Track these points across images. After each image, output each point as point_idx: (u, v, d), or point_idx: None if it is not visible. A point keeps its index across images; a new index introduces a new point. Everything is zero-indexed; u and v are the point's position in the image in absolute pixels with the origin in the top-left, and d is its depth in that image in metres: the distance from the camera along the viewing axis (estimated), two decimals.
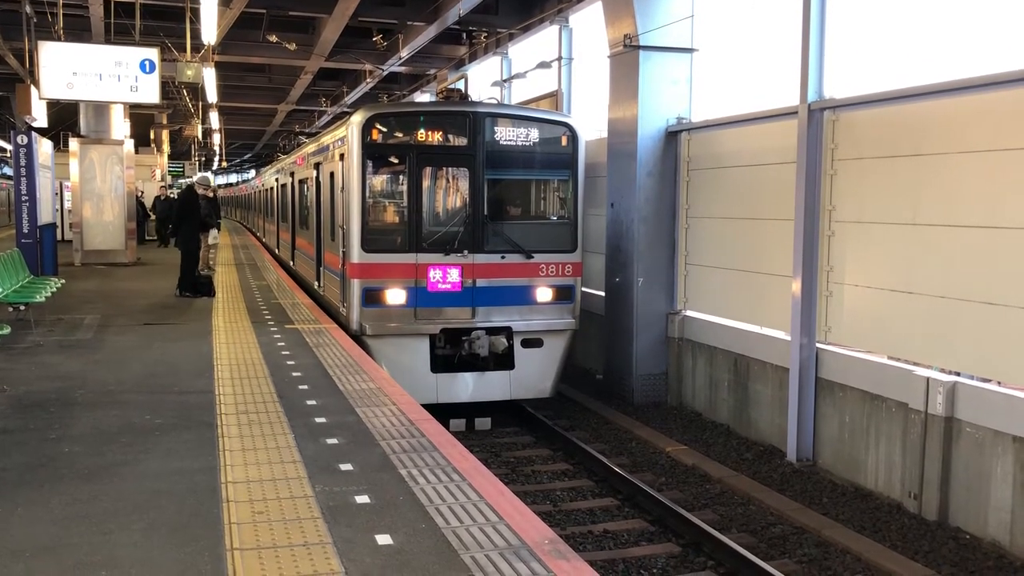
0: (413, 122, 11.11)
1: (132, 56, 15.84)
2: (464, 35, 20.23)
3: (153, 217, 26.36)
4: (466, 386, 11.17)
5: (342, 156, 11.68)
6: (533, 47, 19.08)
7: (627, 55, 12.42)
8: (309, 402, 6.90)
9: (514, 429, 11.40)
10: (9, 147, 19.78)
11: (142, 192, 25.64)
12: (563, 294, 11.44)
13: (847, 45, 9.65)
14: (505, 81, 19.87)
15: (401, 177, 11.20)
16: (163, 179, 31.57)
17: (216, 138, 38.64)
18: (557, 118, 11.94)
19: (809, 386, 9.57)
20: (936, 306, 8.05)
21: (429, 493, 4.83)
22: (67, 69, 15.58)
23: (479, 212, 11.08)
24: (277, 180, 23.38)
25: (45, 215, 16.40)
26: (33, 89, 16.28)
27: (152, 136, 32.35)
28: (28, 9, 16.17)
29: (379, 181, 11.53)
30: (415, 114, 11.43)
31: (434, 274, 10.91)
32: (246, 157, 70.07)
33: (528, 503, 7.63)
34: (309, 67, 22.98)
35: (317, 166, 14.54)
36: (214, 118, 29.50)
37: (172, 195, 25.54)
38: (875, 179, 8.79)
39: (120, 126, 19.74)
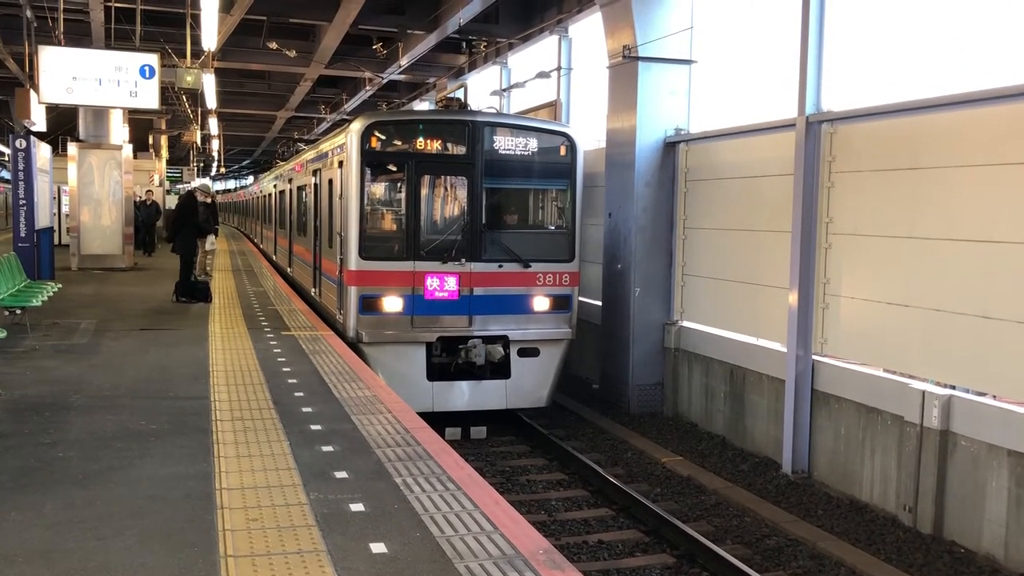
0: (412, 130, 11.13)
1: (132, 61, 15.85)
2: (464, 44, 20.26)
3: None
4: (462, 395, 11.16)
5: (341, 163, 11.69)
6: (533, 57, 19.13)
7: (626, 66, 12.46)
8: (305, 409, 6.89)
9: (510, 438, 11.39)
10: (8, 151, 19.76)
11: (139, 197, 25.57)
12: (560, 303, 11.44)
13: (845, 58, 9.69)
14: (504, 90, 19.92)
15: (400, 185, 11.21)
16: (161, 183, 31.51)
17: (215, 144, 38.68)
18: (556, 128, 11.97)
19: (805, 398, 9.57)
20: (932, 319, 8.06)
21: (424, 502, 4.83)
22: (67, 74, 15.58)
23: (477, 221, 11.10)
24: (275, 186, 23.39)
25: (43, 219, 16.38)
26: (32, 93, 16.31)
27: (151, 141, 32.38)
28: (29, 13, 16.19)
29: (378, 189, 11.54)
30: (414, 122, 11.45)
31: (431, 282, 10.91)
32: (245, 163, 70.15)
33: (523, 513, 7.61)
34: (309, 74, 23.02)
35: (316, 173, 14.55)
36: (213, 124, 29.53)
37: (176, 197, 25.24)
38: (872, 192, 8.82)
39: (119, 131, 19.76)
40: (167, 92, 20.97)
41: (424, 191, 11.28)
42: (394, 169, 11.31)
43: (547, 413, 12.01)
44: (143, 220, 24.43)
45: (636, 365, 12.53)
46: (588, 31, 16.09)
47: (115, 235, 19.21)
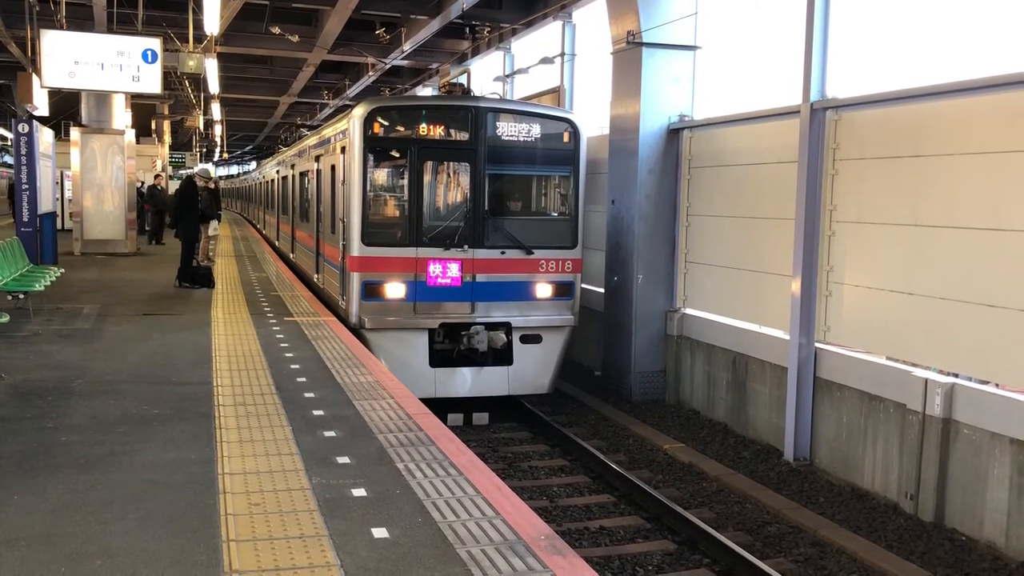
0: (415, 116, 11.09)
1: (134, 46, 15.81)
2: (467, 29, 20.18)
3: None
4: (464, 381, 11.17)
5: (343, 149, 11.66)
6: (536, 42, 19.06)
7: (630, 52, 12.40)
8: (307, 395, 6.90)
9: (512, 424, 11.40)
10: (10, 135, 19.74)
11: (142, 183, 25.53)
12: (563, 290, 11.43)
13: (850, 45, 9.64)
14: (507, 76, 19.84)
15: (402, 171, 11.18)
16: (164, 168, 31.42)
17: (217, 129, 38.61)
18: (559, 114, 11.92)
19: (807, 386, 9.57)
20: (935, 307, 8.04)
21: (426, 487, 4.83)
22: (69, 58, 15.55)
23: (480, 207, 11.07)
24: (278, 172, 23.36)
25: (45, 204, 16.38)
26: (35, 77, 16.27)
27: (153, 126, 32.33)
28: None
29: (380, 175, 11.52)
30: (417, 108, 11.41)
31: (434, 268, 10.90)
32: (247, 149, 70.05)
33: (525, 499, 7.62)
34: (311, 59, 22.95)
35: (318, 159, 14.53)
36: (216, 109, 29.47)
37: (164, 182, 24.70)
38: (876, 179, 8.78)
39: (121, 116, 19.72)
40: (169, 77, 20.95)
41: (427, 177, 11.25)
42: (396, 155, 11.28)
43: (549, 400, 12.02)
44: (158, 206, 23.40)
45: (638, 352, 12.52)
46: (592, 17, 16.01)
47: (118, 220, 19.21)
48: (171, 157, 41.02)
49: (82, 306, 11.37)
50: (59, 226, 19.90)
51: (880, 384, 8.67)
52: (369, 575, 3.75)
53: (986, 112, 7.61)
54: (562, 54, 16.92)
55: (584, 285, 12.43)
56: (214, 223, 16.83)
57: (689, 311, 12.29)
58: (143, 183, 25.42)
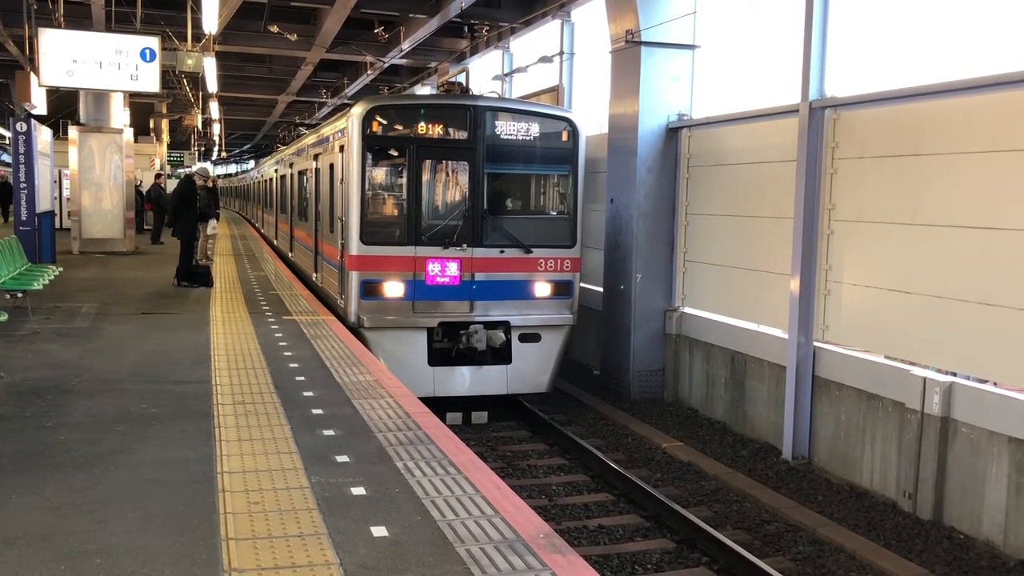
0: (414, 115, 11.09)
1: (132, 44, 15.80)
2: (466, 28, 20.18)
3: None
4: (463, 380, 11.17)
5: (342, 148, 11.66)
6: (535, 41, 19.05)
7: (629, 51, 12.40)
8: (306, 393, 6.89)
9: (511, 423, 11.41)
10: (8, 134, 19.72)
11: (140, 182, 25.48)
12: (561, 289, 11.43)
13: (849, 44, 9.64)
14: (506, 75, 19.84)
15: (401, 170, 11.18)
16: (163, 167, 31.38)
17: (216, 128, 38.57)
18: (558, 113, 11.92)
19: (806, 384, 9.57)
20: (934, 306, 8.05)
21: (425, 486, 4.83)
22: (67, 57, 15.54)
23: (478, 206, 11.07)
24: (276, 171, 23.34)
25: (44, 203, 16.37)
26: (33, 76, 16.25)
27: (152, 125, 32.28)
28: None
29: (379, 173, 11.51)
30: (416, 107, 11.41)
31: (433, 267, 10.90)
32: (246, 147, 70.01)
33: (524, 497, 7.62)
34: (310, 58, 22.94)
35: (316, 157, 14.52)
36: (214, 108, 29.44)
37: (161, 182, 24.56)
38: (875, 178, 8.79)
39: (120, 115, 19.70)
40: (168, 76, 20.89)
41: (425, 176, 11.25)
42: (395, 154, 11.27)
43: (548, 398, 12.02)
44: (164, 206, 22.90)
45: (637, 351, 12.53)
46: (591, 16, 16.00)
47: (116, 219, 19.19)
48: (169, 156, 40.96)
49: (81, 305, 11.36)
50: (57, 225, 19.87)
51: (879, 383, 8.68)
52: (368, 573, 3.75)
53: (986, 111, 7.61)
54: (561, 53, 16.92)
55: (583, 284, 12.44)
56: (212, 222, 16.83)
57: (688, 310, 12.29)
58: (140, 182, 25.38)
